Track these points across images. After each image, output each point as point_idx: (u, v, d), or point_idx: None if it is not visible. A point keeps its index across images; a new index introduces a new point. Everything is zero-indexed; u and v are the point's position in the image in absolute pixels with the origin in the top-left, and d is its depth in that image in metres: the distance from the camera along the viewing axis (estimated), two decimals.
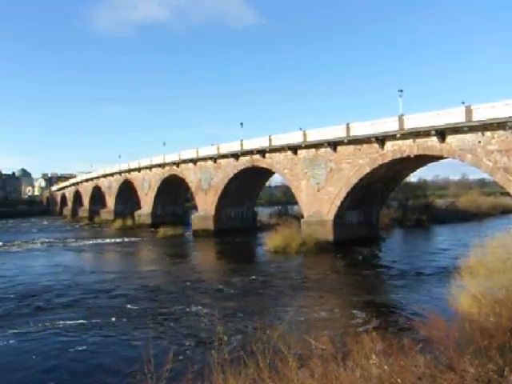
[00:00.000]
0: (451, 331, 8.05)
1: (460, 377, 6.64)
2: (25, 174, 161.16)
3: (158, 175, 61.52)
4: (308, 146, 37.83)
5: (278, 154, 41.13)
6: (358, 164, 33.77)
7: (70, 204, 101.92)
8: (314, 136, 37.47)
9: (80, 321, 17.84)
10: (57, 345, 15.28)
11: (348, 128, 34.43)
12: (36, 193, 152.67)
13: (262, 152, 42.57)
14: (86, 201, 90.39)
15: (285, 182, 52.53)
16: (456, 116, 27.72)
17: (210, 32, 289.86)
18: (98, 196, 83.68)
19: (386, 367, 7.02)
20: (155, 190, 62.22)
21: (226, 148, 47.90)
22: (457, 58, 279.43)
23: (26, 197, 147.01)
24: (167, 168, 59.55)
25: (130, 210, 68.28)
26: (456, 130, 27.76)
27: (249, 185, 48.98)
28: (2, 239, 51.65)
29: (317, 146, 37.01)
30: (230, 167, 47.12)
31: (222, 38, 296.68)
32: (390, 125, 31.57)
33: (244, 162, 45.41)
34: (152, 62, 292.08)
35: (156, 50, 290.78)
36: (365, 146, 33.33)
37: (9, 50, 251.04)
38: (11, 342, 15.64)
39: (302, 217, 38.06)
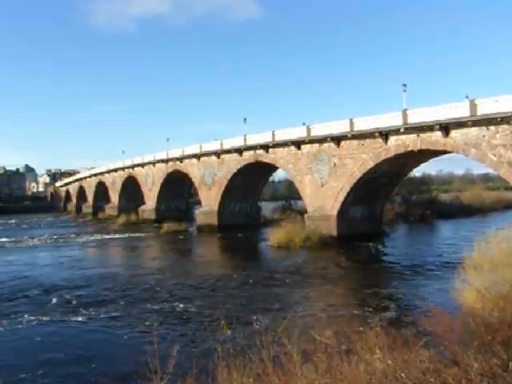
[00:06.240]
0: (455, 326, 8.06)
1: (464, 371, 6.64)
2: (29, 170, 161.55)
3: (162, 171, 61.61)
4: (312, 141, 37.79)
5: (281, 149, 41.10)
6: (362, 159, 33.70)
7: (74, 200, 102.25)
8: (317, 131, 37.45)
9: (82, 316, 17.92)
10: (56, 340, 15.36)
11: (352, 123, 34.35)
12: (40, 189, 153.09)
13: (265, 147, 42.56)
14: (90, 196, 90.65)
15: (288, 177, 52.62)
16: (460, 110, 27.61)
17: (211, 25, 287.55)
18: (101, 192, 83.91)
19: (390, 362, 7.02)
20: (159, 185, 62.36)
21: (229, 143, 47.90)
22: (461, 52, 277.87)
23: (31, 193, 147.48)
24: (171, 163, 59.63)
25: (134, 205, 68.33)
26: (460, 124, 27.66)
27: (252, 180, 48.99)
28: (7, 235, 51.90)
29: (320, 141, 36.97)
30: (234, 162, 47.12)
31: (224, 32, 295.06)
32: (393, 119, 31.50)
33: (247, 157, 45.40)
34: (153, 57, 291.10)
35: (156, 45, 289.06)
36: (368, 140, 33.26)
37: (8, 48, 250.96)
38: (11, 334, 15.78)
39: (306, 212, 38.07)
